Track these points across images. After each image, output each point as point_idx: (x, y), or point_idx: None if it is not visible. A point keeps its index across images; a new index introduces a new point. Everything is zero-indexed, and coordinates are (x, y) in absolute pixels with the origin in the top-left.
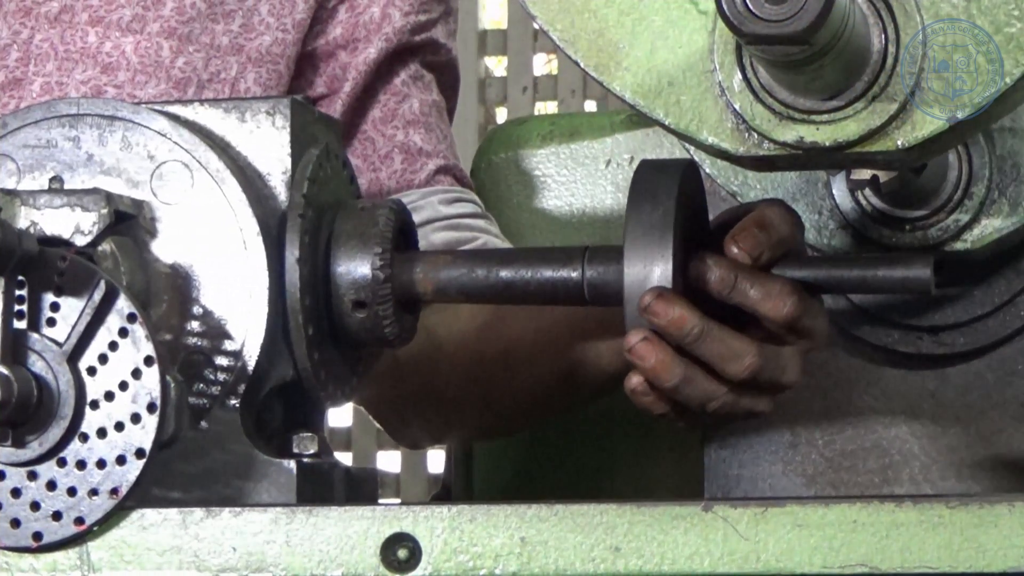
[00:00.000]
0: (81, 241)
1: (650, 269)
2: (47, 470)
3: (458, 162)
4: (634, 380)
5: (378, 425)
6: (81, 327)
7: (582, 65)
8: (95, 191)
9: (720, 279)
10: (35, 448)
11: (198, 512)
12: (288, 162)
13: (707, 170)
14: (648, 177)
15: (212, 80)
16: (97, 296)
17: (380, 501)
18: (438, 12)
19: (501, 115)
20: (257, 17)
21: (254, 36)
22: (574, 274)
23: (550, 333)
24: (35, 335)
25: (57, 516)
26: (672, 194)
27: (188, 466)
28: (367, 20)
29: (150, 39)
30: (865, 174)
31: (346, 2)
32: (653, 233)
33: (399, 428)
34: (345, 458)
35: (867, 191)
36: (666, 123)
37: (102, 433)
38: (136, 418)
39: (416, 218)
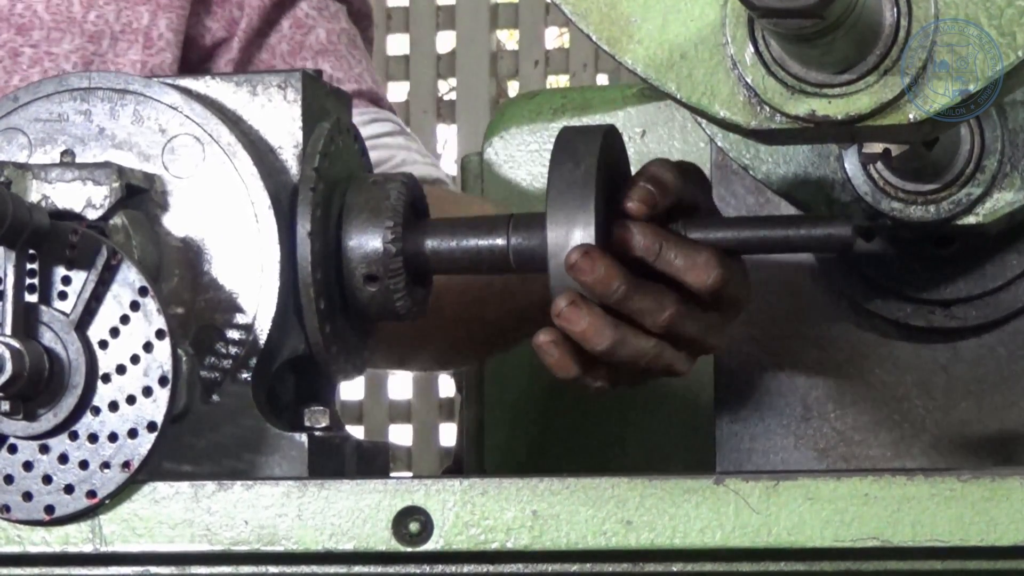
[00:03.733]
0: (93, 215)
1: (572, 226)
2: (59, 443)
3: (377, 87)
4: (542, 337)
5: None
6: (92, 299)
7: (594, 38)
8: (107, 165)
9: (646, 247)
10: (47, 421)
11: (210, 485)
12: (299, 135)
13: (719, 143)
14: (569, 139)
15: (125, 31)
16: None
17: (392, 475)
18: None
19: (513, 88)
20: None
21: None
22: (499, 241)
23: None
24: (46, 308)
25: (69, 489)
26: (593, 153)
27: (200, 440)
28: None
29: None
30: (877, 148)
31: None
32: (574, 191)
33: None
34: (357, 431)
35: (879, 165)
36: (678, 96)
37: (114, 406)
38: (148, 391)
39: None
